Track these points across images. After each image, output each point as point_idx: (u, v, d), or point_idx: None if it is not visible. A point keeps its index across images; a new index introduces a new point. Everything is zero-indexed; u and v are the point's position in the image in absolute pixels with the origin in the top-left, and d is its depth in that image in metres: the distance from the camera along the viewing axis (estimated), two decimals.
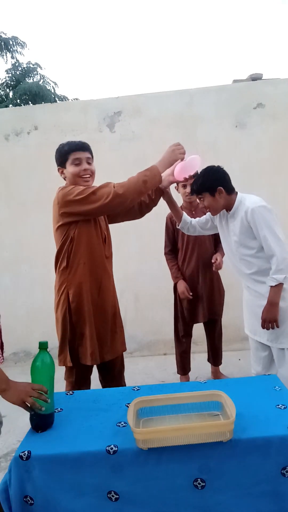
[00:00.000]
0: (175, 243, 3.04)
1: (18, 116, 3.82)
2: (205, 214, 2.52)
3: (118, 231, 3.78)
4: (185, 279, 3.00)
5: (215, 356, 3.23)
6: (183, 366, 3.19)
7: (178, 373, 3.22)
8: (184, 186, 2.82)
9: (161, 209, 3.51)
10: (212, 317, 3.09)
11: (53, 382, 1.47)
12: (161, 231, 3.59)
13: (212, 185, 2.19)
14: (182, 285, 2.95)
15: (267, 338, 2.20)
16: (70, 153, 2.08)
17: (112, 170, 3.80)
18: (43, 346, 1.45)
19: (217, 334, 3.20)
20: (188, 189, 2.76)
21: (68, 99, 15.37)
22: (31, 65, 15.46)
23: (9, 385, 1.38)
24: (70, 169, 2.07)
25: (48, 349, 1.46)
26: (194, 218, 2.62)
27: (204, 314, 3.02)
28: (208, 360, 3.29)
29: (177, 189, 2.94)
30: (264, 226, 2.06)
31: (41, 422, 1.44)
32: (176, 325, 3.17)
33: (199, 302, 3.01)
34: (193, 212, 2.92)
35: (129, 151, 3.74)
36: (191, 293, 2.96)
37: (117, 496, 1.31)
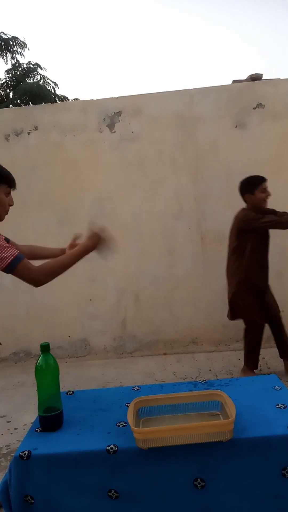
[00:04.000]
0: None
1: (18, 116, 3.82)
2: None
3: (118, 231, 3.79)
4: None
5: None
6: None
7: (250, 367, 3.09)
8: (265, 191, 3.03)
9: (161, 210, 3.52)
10: None
11: (59, 383, 1.47)
12: (161, 231, 3.60)
13: None
14: None
15: None
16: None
17: (112, 170, 3.81)
18: (45, 348, 1.44)
19: None
20: (268, 193, 3.05)
21: (68, 99, 15.36)
22: (31, 66, 15.45)
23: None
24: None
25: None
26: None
27: None
28: None
29: (252, 196, 3.03)
30: None
31: (53, 421, 1.44)
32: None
33: None
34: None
35: (129, 151, 3.74)
36: None
37: (117, 495, 1.31)
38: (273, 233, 3.74)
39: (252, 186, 2.98)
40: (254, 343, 3.05)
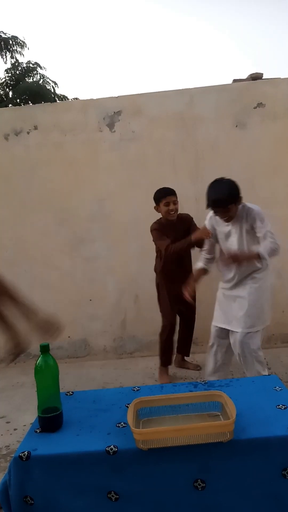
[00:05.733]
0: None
1: (18, 116, 3.82)
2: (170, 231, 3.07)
3: (118, 231, 3.79)
4: None
5: None
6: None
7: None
8: (168, 204, 3.01)
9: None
10: None
11: (58, 383, 1.46)
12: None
13: (239, 195, 2.44)
14: None
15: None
16: None
17: (112, 170, 3.80)
18: (45, 349, 1.44)
19: None
20: (171, 207, 3.01)
21: (68, 99, 15.34)
22: (31, 65, 15.44)
23: None
24: None
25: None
26: (173, 234, 3.04)
27: None
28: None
29: (158, 208, 3.08)
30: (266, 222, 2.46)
31: (53, 421, 1.44)
32: None
33: None
34: (170, 228, 3.09)
35: (129, 151, 3.74)
36: None
37: (117, 496, 1.30)
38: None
39: (157, 199, 3.07)
40: (166, 343, 3.23)
